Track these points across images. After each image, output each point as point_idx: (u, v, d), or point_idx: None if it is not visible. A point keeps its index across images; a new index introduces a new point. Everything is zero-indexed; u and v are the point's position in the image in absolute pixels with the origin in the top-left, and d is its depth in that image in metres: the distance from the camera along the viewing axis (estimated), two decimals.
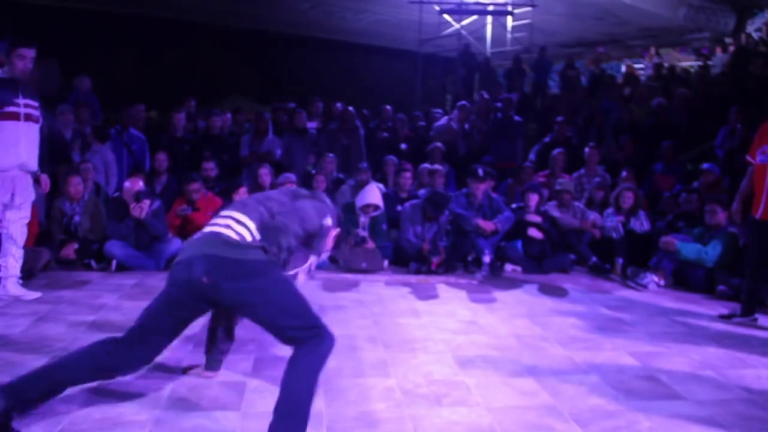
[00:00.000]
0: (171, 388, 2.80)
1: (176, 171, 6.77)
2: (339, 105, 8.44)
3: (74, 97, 7.90)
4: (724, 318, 4.31)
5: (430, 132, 8.69)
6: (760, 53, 10.24)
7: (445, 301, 4.75)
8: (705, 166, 6.58)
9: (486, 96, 9.59)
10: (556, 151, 7.40)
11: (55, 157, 6.49)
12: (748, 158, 4.30)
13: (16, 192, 4.22)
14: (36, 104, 4.23)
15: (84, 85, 8.18)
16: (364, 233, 5.81)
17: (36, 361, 3.06)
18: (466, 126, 8.96)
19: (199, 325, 3.79)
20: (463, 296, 4.89)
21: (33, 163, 4.30)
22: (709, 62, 11.92)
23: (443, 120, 9.01)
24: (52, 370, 2.40)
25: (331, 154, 7.22)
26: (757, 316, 4.24)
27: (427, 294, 4.92)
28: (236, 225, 2.47)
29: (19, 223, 4.29)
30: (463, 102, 9.41)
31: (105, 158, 6.84)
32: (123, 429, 2.41)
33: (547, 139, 8.27)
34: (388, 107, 8.94)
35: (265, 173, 6.51)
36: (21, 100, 4.12)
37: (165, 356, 3.20)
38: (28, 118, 4.17)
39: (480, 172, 6.00)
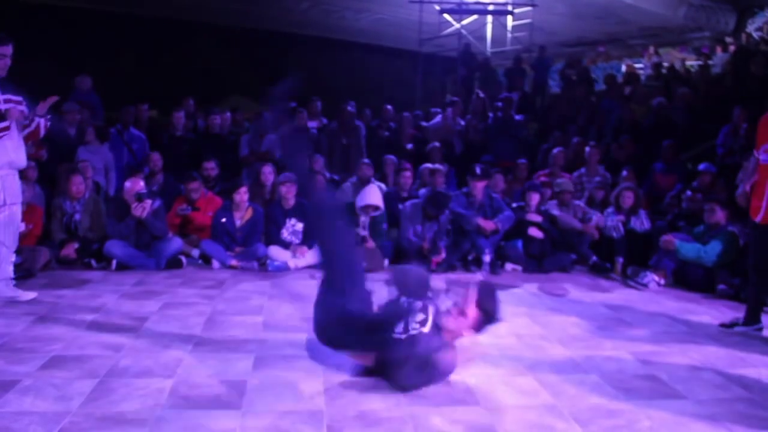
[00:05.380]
0: (172, 387, 2.80)
1: (176, 170, 6.77)
2: (346, 105, 8.41)
3: (75, 97, 7.89)
4: (725, 327, 4.09)
5: (428, 132, 8.68)
6: (760, 53, 10.23)
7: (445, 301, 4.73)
8: (701, 167, 6.56)
9: (482, 95, 9.58)
10: (556, 150, 7.41)
11: (57, 155, 6.52)
12: (755, 153, 4.19)
13: (6, 191, 4.13)
14: (19, 99, 4.14)
15: (85, 85, 8.15)
16: (364, 233, 5.82)
17: (35, 361, 3.07)
18: (462, 122, 8.95)
19: (199, 325, 3.80)
20: None
21: (21, 161, 4.22)
22: (710, 62, 11.91)
23: (438, 118, 9.01)
24: None
25: (318, 155, 7.22)
26: (761, 325, 4.02)
27: None
28: None
29: (9, 228, 4.19)
30: (455, 98, 9.39)
31: (104, 158, 6.84)
32: (123, 427, 2.41)
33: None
34: (389, 107, 8.94)
35: (268, 172, 6.54)
36: (1, 96, 4.05)
37: (165, 356, 3.21)
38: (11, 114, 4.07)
39: (478, 170, 6.00)
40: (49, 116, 4.29)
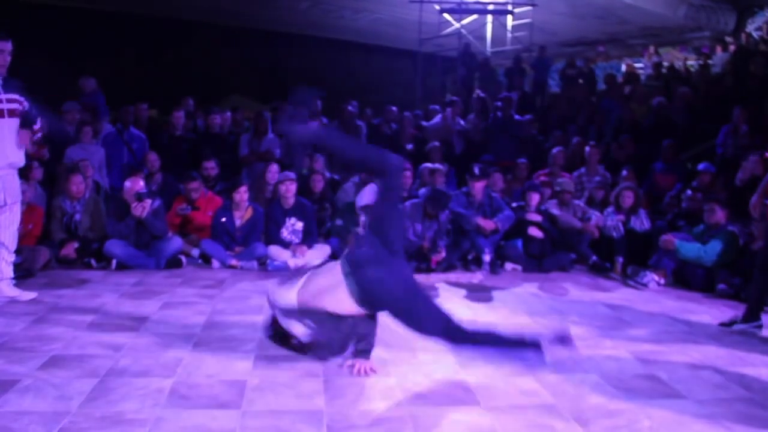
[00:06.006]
0: (171, 387, 2.80)
1: (176, 170, 6.77)
2: (346, 105, 8.41)
3: (81, 99, 7.86)
4: (724, 326, 4.10)
5: (428, 131, 8.67)
6: (760, 52, 10.23)
7: (445, 299, 4.74)
8: (701, 166, 6.56)
9: (482, 95, 9.57)
10: (555, 150, 7.41)
11: (57, 155, 6.51)
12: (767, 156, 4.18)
13: (6, 192, 4.10)
14: (20, 98, 4.09)
15: (88, 86, 8.10)
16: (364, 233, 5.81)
17: (35, 361, 3.07)
18: (461, 122, 8.95)
19: (200, 325, 3.80)
20: (463, 295, 4.89)
21: (20, 160, 4.18)
22: (710, 61, 11.91)
23: (437, 118, 9.00)
24: None
25: (318, 155, 7.21)
26: (761, 322, 4.01)
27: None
28: None
29: (10, 229, 4.18)
30: (455, 98, 9.39)
31: (98, 156, 6.82)
32: (123, 427, 2.41)
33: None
34: (393, 108, 8.93)
35: (274, 171, 6.55)
36: (3, 96, 4.01)
37: (165, 356, 3.21)
38: (12, 113, 4.04)
39: (476, 170, 6.00)
40: (36, 130, 4.25)
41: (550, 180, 6.94)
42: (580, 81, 11.11)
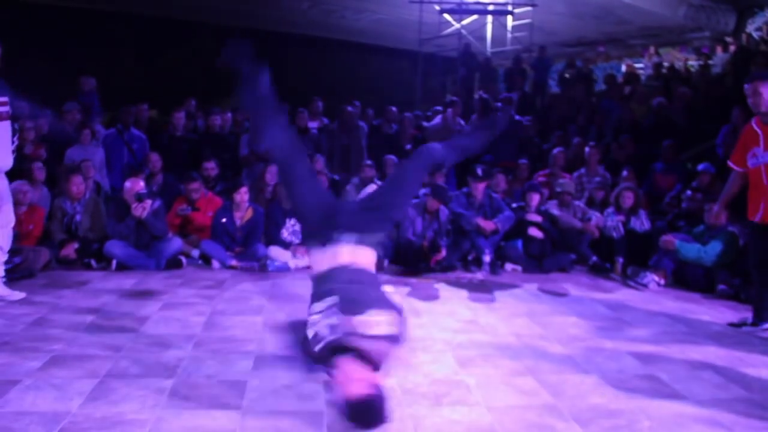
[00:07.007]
0: (171, 387, 2.80)
1: (176, 170, 6.77)
2: (347, 105, 8.41)
3: (79, 98, 7.87)
4: (733, 326, 4.12)
5: (428, 132, 8.68)
6: (760, 53, 10.23)
7: (445, 300, 4.75)
8: (700, 167, 6.56)
9: (485, 95, 9.58)
10: (556, 150, 7.41)
11: (56, 155, 6.52)
12: (730, 164, 4.21)
13: None
14: (5, 100, 4.03)
15: (87, 86, 8.11)
16: None
17: (35, 361, 3.08)
18: (461, 122, 8.96)
19: (200, 324, 3.80)
20: (463, 295, 4.89)
21: (6, 162, 4.13)
22: (710, 62, 11.91)
23: (437, 119, 9.01)
24: None
25: (319, 155, 7.22)
26: (766, 326, 4.01)
27: (427, 293, 4.92)
28: None
29: (3, 230, 4.15)
30: (455, 98, 9.40)
31: (98, 157, 6.82)
32: (123, 427, 2.41)
33: None
34: (393, 108, 8.94)
35: (274, 171, 6.55)
36: None
37: (165, 356, 3.22)
38: None
39: (479, 171, 6.00)
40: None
41: (550, 180, 6.94)
42: (574, 79, 11.10)
